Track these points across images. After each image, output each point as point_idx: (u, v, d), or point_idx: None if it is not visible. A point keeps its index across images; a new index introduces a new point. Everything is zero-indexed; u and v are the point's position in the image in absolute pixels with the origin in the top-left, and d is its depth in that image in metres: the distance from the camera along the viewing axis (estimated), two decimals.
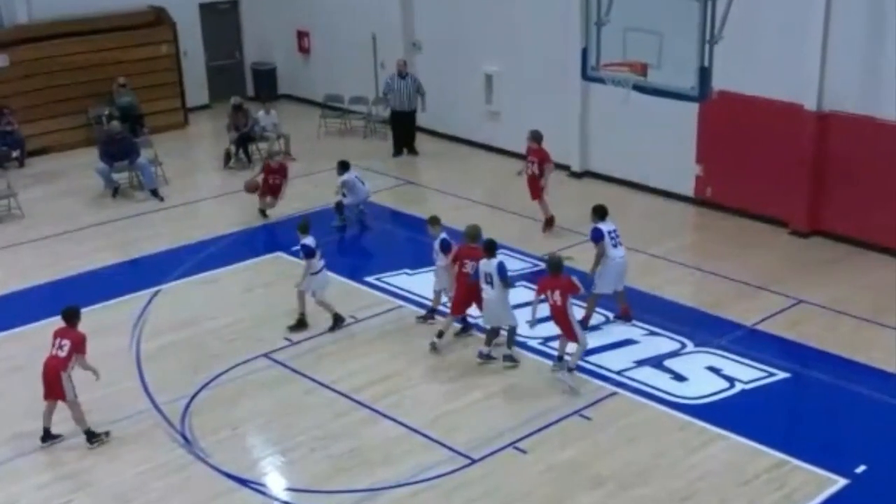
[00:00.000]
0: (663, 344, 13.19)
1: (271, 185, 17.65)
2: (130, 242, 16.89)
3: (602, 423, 11.54)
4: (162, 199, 18.80)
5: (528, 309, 12.45)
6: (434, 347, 13.04)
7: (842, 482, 10.39)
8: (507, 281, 12.55)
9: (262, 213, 17.62)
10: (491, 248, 12.60)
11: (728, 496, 10.24)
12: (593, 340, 12.76)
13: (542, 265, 15.06)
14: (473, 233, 13.15)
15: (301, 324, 13.59)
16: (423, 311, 13.95)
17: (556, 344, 12.64)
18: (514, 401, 12.05)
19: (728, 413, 11.64)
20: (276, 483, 10.80)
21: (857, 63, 15.44)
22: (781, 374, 12.45)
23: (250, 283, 15.20)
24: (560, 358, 12.50)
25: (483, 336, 13.00)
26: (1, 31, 21.25)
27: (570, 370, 12.12)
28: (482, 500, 10.27)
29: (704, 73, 12.52)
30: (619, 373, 12.48)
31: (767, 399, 12.07)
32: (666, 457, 10.88)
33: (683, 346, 13.15)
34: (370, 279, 15.23)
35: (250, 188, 17.61)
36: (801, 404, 12.39)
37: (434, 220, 13.69)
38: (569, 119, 19.19)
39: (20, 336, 13.55)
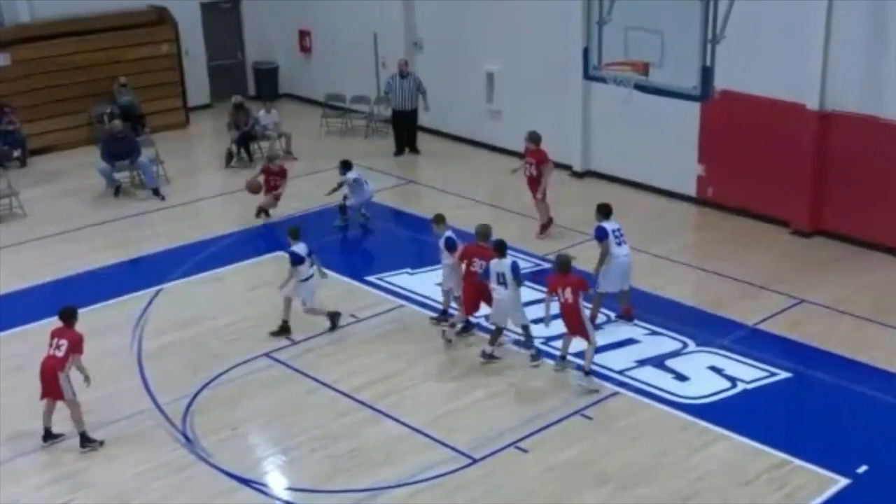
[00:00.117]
0: (665, 343, 13.18)
1: (272, 185, 17.63)
2: (132, 242, 16.89)
3: (603, 423, 11.53)
4: (163, 199, 18.79)
5: (533, 308, 12.37)
6: (447, 339, 13.06)
7: (843, 482, 10.37)
8: (520, 280, 12.56)
9: (265, 212, 17.54)
10: (502, 248, 12.56)
11: (729, 496, 10.23)
12: None
13: (543, 265, 15.11)
14: (483, 231, 13.13)
15: (284, 330, 13.47)
16: (434, 314, 13.85)
17: (557, 343, 12.63)
18: (515, 400, 12.03)
19: (730, 413, 11.62)
20: (277, 483, 10.79)
21: (859, 62, 15.41)
22: (783, 374, 12.44)
23: (252, 283, 15.18)
24: (563, 357, 12.49)
25: (483, 336, 12.99)
26: (2, 30, 21.24)
27: (587, 373, 12.13)
28: (483, 500, 10.25)
29: (706, 73, 12.54)
30: (620, 372, 12.46)
31: (769, 399, 12.06)
32: (667, 457, 10.86)
33: (685, 345, 13.13)
34: (371, 278, 15.22)
35: (253, 189, 17.57)
36: (803, 404, 12.38)
37: (439, 219, 13.63)
38: (570, 118, 19.17)
39: (21, 335, 13.53)
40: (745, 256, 15.66)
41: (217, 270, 15.65)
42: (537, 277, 14.31)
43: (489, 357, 12.71)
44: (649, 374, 12.43)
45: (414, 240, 16.86)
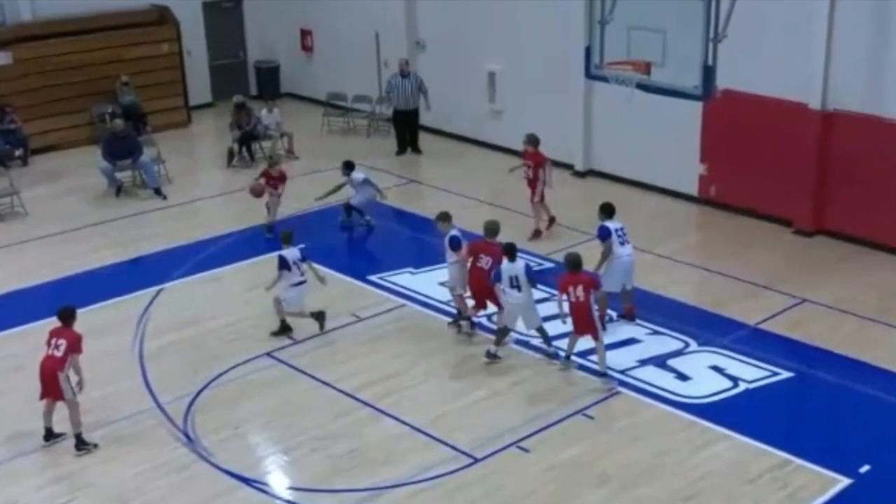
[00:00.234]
0: (667, 343, 13.15)
1: (272, 187, 17.56)
2: (133, 241, 16.87)
3: (605, 423, 11.51)
4: (165, 198, 18.78)
5: (539, 306, 12.42)
6: (458, 327, 13.17)
7: (846, 482, 10.34)
8: (535, 281, 12.55)
9: (267, 228, 16.91)
10: (512, 252, 12.50)
11: (732, 496, 10.20)
12: None
13: (545, 265, 15.08)
14: (492, 227, 13.10)
15: (284, 329, 13.44)
16: (449, 318, 13.73)
17: (560, 343, 12.61)
18: (516, 400, 12.00)
19: (732, 412, 11.59)
20: (277, 482, 10.77)
21: (861, 61, 15.38)
22: (785, 374, 12.41)
23: (252, 283, 15.12)
24: (567, 357, 12.47)
25: (487, 336, 12.98)
26: (4, 29, 21.25)
27: (601, 375, 12.12)
28: (484, 500, 10.23)
29: (708, 72, 12.51)
30: (622, 372, 12.43)
31: (771, 398, 12.03)
32: (669, 456, 10.84)
33: (687, 345, 13.11)
34: (373, 278, 15.19)
35: (256, 192, 17.48)
36: (805, 404, 12.34)
37: (444, 217, 13.54)
38: (572, 118, 19.15)
39: (22, 335, 13.51)
40: (747, 256, 15.63)
41: (218, 270, 15.64)
42: (541, 277, 14.26)
43: (493, 357, 12.68)
44: (651, 374, 12.41)
45: (416, 239, 16.85)
